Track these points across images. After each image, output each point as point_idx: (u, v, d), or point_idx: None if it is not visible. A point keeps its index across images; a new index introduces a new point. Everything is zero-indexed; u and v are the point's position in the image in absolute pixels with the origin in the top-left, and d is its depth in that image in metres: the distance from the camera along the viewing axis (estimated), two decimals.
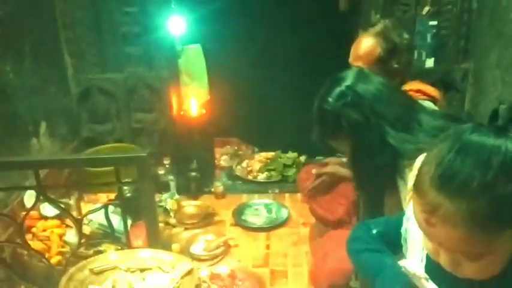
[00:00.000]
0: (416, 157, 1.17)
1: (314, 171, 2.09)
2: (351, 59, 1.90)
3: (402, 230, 0.99)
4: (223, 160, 3.39)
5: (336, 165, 2.09)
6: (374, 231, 1.08)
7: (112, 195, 2.33)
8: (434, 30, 2.66)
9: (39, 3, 2.55)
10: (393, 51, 1.87)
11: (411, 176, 1.15)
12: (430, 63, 2.73)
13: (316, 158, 3.39)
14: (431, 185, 0.73)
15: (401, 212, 1.01)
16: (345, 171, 2.01)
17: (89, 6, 2.73)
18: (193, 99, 3.15)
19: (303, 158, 3.19)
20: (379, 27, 1.92)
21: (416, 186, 0.77)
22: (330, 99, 1.26)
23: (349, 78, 1.28)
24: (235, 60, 3.76)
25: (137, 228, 2.00)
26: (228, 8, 3.61)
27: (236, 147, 3.74)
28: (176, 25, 3.05)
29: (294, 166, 3.10)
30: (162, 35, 2.83)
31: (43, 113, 2.54)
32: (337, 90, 1.26)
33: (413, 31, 2.66)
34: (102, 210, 1.69)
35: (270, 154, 3.36)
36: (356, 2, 3.51)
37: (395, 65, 1.88)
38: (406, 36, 2.00)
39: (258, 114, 4.03)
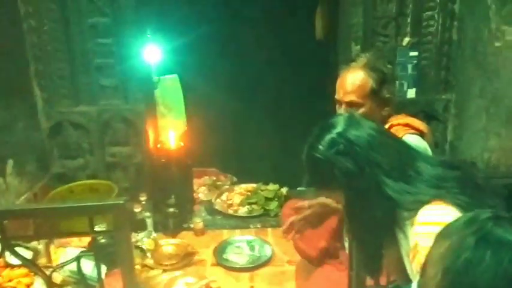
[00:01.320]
0: (417, 208, 1.10)
1: (306, 203, 1.99)
2: (340, 95, 1.83)
3: None
4: (201, 193, 3.27)
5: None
6: None
7: (85, 239, 2.20)
8: (415, 61, 2.65)
9: (7, 36, 2.43)
10: (383, 81, 1.83)
11: (413, 233, 1.07)
12: (411, 94, 2.71)
13: (298, 189, 3.32)
14: None
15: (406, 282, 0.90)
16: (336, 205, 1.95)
17: (61, 38, 2.62)
18: (170, 131, 3.04)
19: (284, 190, 3.10)
20: (363, 59, 1.87)
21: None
22: (321, 147, 1.17)
23: (339, 124, 1.19)
24: (213, 90, 3.69)
25: (112, 277, 1.86)
26: (204, 38, 3.57)
27: (214, 178, 3.63)
28: (152, 55, 2.97)
29: (276, 199, 3.00)
30: (138, 65, 2.73)
31: (11, 150, 2.40)
32: (328, 137, 1.18)
33: (394, 62, 2.64)
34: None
35: (251, 186, 3.26)
36: (332, 31, 3.52)
37: (387, 95, 1.84)
38: (389, 65, 1.97)
39: (236, 145, 3.96)
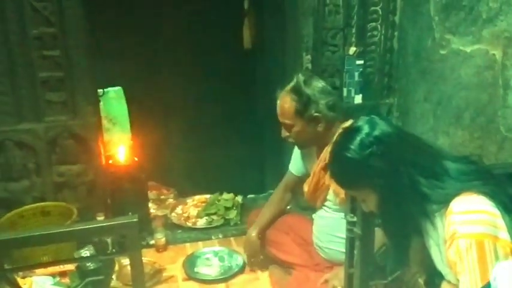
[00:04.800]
0: (447, 201, 1.20)
1: None
2: (279, 118, 2.09)
3: None
4: (153, 208, 3.17)
5: None
6: None
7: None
8: (361, 69, 2.83)
9: None
10: (307, 103, 2.03)
11: (450, 222, 1.17)
12: (358, 99, 2.89)
13: (248, 196, 3.36)
14: None
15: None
16: None
17: (1, 50, 2.41)
18: (121, 145, 2.93)
19: (239, 198, 3.11)
20: (292, 83, 2.08)
21: None
22: (353, 148, 1.23)
23: (365, 127, 1.27)
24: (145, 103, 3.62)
25: None
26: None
27: (156, 191, 3.54)
28: (100, 68, 2.83)
29: (234, 208, 3.00)
30: (87, 79, 2.60)
31: None
32: (358, 139, 1.24)
33: (343, 70, 2.81)
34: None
35: (204, 197, 3.23)
36: (259, 41, 3.65)
37: (315, 114, 2.04)
38: (320, 84, 2.11)
39: (171, 157, 3.91)
